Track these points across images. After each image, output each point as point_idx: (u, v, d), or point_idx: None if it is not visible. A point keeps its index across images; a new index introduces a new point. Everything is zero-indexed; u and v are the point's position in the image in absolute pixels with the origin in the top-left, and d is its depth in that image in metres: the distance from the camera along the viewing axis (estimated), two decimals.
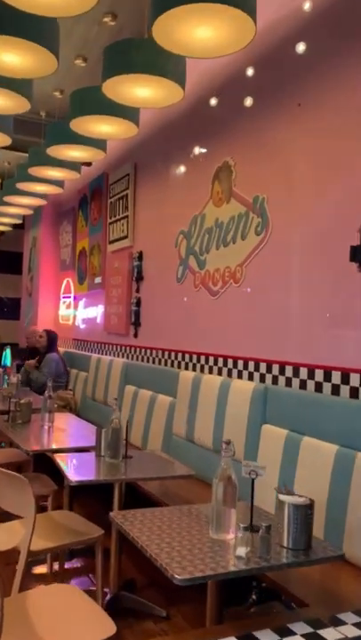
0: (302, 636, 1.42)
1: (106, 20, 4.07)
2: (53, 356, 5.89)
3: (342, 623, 1.49)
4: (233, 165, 3.59)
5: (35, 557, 2.39)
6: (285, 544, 1.78)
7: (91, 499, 3.90)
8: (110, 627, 1.71)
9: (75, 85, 3.98)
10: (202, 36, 2.73)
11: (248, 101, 3.55)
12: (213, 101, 3.95)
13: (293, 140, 3.05)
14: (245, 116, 3.52)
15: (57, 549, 2.43)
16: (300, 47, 3.10)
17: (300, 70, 3.04)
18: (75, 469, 2.67)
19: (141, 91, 3.37)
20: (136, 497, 3.10)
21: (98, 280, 6.07)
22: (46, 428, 3.66)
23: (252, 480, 1.98)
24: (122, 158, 5.38)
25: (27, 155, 5.29)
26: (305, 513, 1.79)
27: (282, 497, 1.83)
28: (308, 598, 1.88)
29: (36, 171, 5.09)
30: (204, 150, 3.98)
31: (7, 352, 7.46)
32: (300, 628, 1.45)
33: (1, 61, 3.11)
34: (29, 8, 2.56)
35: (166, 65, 3.15)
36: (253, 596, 2.74)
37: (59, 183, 5.88)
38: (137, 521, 1.95)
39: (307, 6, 3.08)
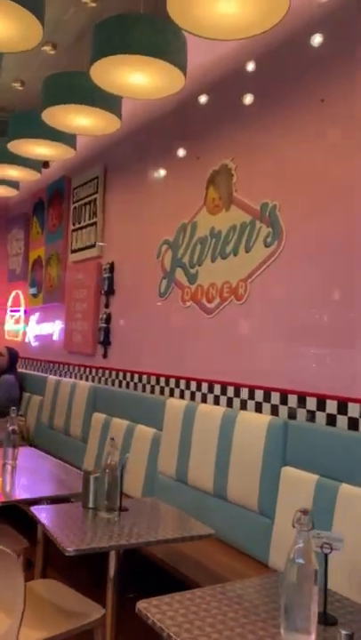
0: None
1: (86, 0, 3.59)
2: (9, 378, 5.21)
3: None
4: (234, 168, 3.19)
5: None
6: None
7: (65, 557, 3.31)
8: None
9: (38, 75, 3.47)
10: (226, 11, 2.32)
11: (248, 99, 3.18)
12: (203, 99, 3.56)
13: (314, 140, 2.69)
14: (248, 114, 3.14)
15: None
16: (317, 39, 2.77)
17: (320, 63, 2.70)
18: (64, 530, 2.12)
19: (137, 77, 2.92)
20: (130, 556, 2.57)
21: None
22: (9, 468, 3.07)
23: (326, 556, 1.55)
24: (89, 160, 4.87)
25: None
26: None
27: None
28: None
29: None
30: (195, 152, 3.56)
31: None
32: None
33: None
34: None
35: (168, 46, 2.72)
36: None
37: (14, 184, 5.30)
38: (179, 615, 1.47)
39: None
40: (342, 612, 1.58)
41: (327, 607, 1.57)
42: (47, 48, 4.25)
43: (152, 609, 1.50)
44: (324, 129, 2.65)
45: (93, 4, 3.63)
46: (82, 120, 3.52)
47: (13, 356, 5.34)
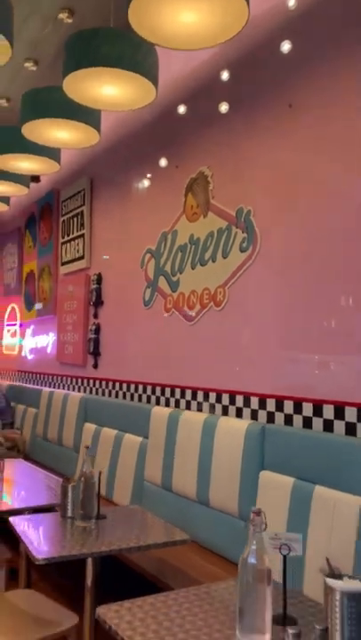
0: None
1: (62, 16, 3.65)
2: None
3: None
4: (210, 176, 3.22)
5: None
6: None
7: (53, 567, 3.32)
8: None
9: (23, 92, 3.53)
10: (186, 21, 2.36)
11: (223, 107, 3.21)
12: (182, 109, 3.60)
13: (284, 145, 2.71)
14: (224, 122, 3.17)
15: None
16: (286, 46, 2.80)
17: (289, 70, 2.72)
18: (38, 539, 2.14)
19: (108, 89, 2.97)
20: (112, 565, 2.58)
21: (38, 306, 5.53)
22: None
23: (284, 557, 1.55)
24: (76, 173, 4.92)
25: None
26: None
27: (330, 582, 1.40)
28: None
29: None
30: (174, 161, 3.60)
31: None
32: None
33: None
34: None
35: (138, 59, 2.77)
36: None
37: (4, 200, 5.37)
38: (136, 619, 1.47)
39: (291, 3, 2.79)
40: (304, 614, 1.58)
41: (290, 608, 1.57)
42: (29, 64, 4.32)
43: (111, 614, 1.50)
44: (292, 133, 2.67)
45: (69, 20, 3.70)
46: (61, 134, 3.57)
47: None
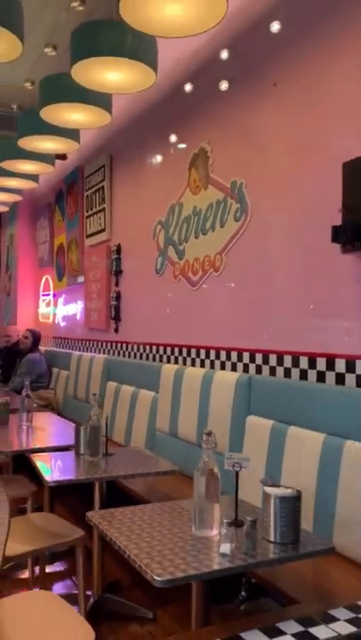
0: (293, 635, 1.33)
1: (74, 4, 3.93)
2: (35, 356, 5.75)
3: (335, 620, 1.40)
4: (209, 151, 3.49)
5: (11, 562, 2.27)
6: (272, 538, 1.69)
7: (73, 499, 3.79)
8: (89, 633, 1.60)
9: (46, 75, 3.85)
10: (171, 13, 2.62)
11: (223, 85, 3.44)
12: (188, 87, 3.84)
13: (269, 121, 2.95)
14: (221, 99, 3.41)
15: (34, 553, 2.32)
16: (275, 26, 3.00)
17: (275, 49, 2.94)
18: (53, 469, 2.55)
19: (112, 75, 3.25)
20: (119, 495, 2.99)
21: (81, 279, 5.92)
22: (25, 428, 3.53)
23: (236, 473, 1.89)
24: (97, 150, 5.24)
25: None
26: (292, 505, 1.69)
27: (267, 489, 1.73)
28: (299, 594, 1.79)
29: (8, 164, 4.94)
30: (179, 137, 3.87)
31: None
32: (291, 627, 1.36)
33: None
34: None
35: (137, 47, 3.03)
36: (243, 593, 2.65)
37: (33, 178, 5.74)
38: (116, 520, 1.85)
39: None
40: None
41: (246, 517, 1.90)
42: (48, 50, 4.62)
43: (97, 517, 1.89)
44: (278, 109, 2.90)
45: (81, 8, 3.97)
46: (76, 116, 3.87)
47: (36, 337, 5.88)
